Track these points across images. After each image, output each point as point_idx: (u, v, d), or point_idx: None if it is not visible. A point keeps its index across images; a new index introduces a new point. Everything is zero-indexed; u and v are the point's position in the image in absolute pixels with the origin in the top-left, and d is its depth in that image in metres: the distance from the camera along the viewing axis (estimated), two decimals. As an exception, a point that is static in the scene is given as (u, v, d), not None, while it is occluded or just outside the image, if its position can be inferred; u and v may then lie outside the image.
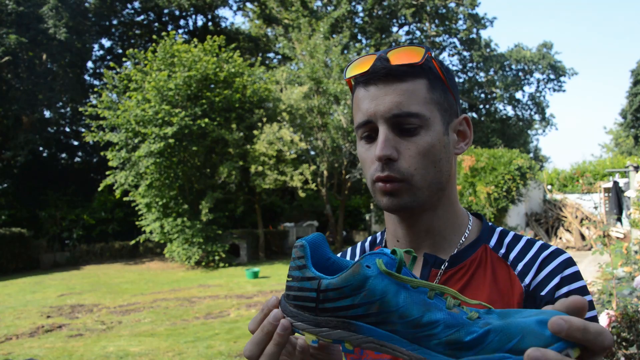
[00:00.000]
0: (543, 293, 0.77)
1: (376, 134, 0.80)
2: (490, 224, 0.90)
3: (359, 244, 1.01)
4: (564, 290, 0.77)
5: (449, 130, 0.83)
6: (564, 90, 37.45)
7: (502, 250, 0.84)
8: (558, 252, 0.81)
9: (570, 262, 0.80)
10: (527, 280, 0.79)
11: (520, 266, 0.81)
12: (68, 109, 22.79)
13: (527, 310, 0.52)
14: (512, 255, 0.83)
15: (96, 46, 24.40)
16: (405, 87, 0.78)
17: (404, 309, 0.53)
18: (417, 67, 0.79)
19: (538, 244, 0.83)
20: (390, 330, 0.54)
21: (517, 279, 0.80)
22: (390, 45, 25.88)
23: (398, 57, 0.78)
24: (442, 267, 0.83)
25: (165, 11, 25.04)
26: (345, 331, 0.56)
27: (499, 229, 0.88)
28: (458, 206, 0.88)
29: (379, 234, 0.98)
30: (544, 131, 36.69)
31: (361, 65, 0.80)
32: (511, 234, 0.87)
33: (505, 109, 33.30)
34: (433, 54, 0.81)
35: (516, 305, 0.77)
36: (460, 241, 0.86)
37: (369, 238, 1.00)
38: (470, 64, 31.39)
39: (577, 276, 0.79)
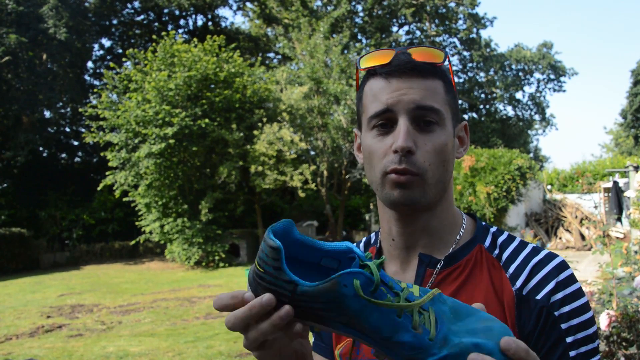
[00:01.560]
0: (538, 297, 0.77)
1: (391, 123, 0.80)
2: (483, 223, 0.90)
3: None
4: (560, 295, 0.76)
5: (455, 133, 0.85)
6: (564, 91, 37.49)
7: (496, 251, 0.84)
8: (551, 255, 0.81)
9: (563, 265, 0.80)
10: (518, 284, 0.79)
11: (512, 269, 0.81)
12: (68, 109, 22.79)
13: (479, 315, 0.60)
14: (505, 256, 0.83)
15: (96, 46, 24.43)
16: (427, 84, 0.80)
17: (375, 327, 0.58)
18: (437, 68, 0.81)
19: (530, 246, 0.83)
20: (359, 331, 0.59)
21: (508, 282, 0.80)
22: (390, 44, 25.89)
23: (421, 55, 0.80)
24: (438, 266, 0.83)
25: (165, 11, 25.04)
26: (317, 323, 0.61)
27: (492, 228, 0.89)
28: (454, 207, 0.89)
29: (373, 235, 0.99)
30: (544, 131, 36.69)
31: (381, 57, 0.81)
32: (505, 234, 0.87)
33: (505, 109, 33.30)
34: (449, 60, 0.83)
35: (507, 309, 0.77)
36: (455, 240, 0.86)
37: (364, 239, 1.00)
38: (470, 64, 31.39)
39: (572, 279, 0.78)
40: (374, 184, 0.83)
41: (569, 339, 0.75)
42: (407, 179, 0.78)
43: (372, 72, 0.83)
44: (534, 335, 0.76)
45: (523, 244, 0.84)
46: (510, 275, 0.80)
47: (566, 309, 0.76)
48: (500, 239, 0.86)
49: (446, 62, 0.81)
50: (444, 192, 0.84)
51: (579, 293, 0.77)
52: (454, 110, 0.84)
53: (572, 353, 0.74)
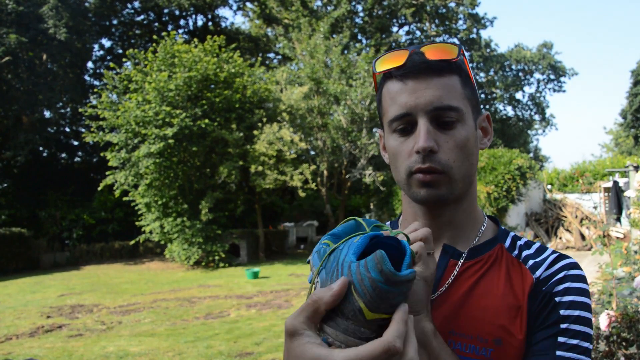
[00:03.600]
0: (548, 284, 0.81)
1: (412, 126, 0.82)
2: (503, 227, 0.94)
3: None
4: (565, 285, 0.80)
5: (476, 125, 0.87)
6: (564, 91, 37.48)
7: (515, 251, 0.88)
8: (568, 256, 0.85)
9: (577, 265, 0.84)
10: (538, 273, 0.83)
11: (531, 262, 0.85)
12: (68, 109, 22.78)
13: None
14: (523, 254, 0.87)
15: (96, 46, 24.42)
16: (444, 82, 0.81)
17: None
18: (452, 64, 0.82)
19: (549, 250, 0.87)
20: None
21: (528, 271, 0.84)
22: (390, 45, 25.89)
23: (434, 53, 0.81)
24: (460, 259, 0.86)
25: (165, 11, 25.03)
26: None
27: (512, 233, 0.92)
28: (476, 202, 0.92)
29: (397, 222, 0.98)
30: (544, 131, 36.70)
31: (395, 59, 0.83)
32: (523, 239, 0.91)
33: (505, 109, 33.30)
34: (464, 52, 0.84)
35: (526, 295, 0.81)
36: (477, 236, 0.89)
37: (388, 224, 1.00)
38: (470, 64, 31.34)
39: (580, 278, 0.81)
40: (401, 183, 0.85)
41: (563, 325, 0.77)
42: (433, 177, 0.80)
43: (388, 75, 0.85)
44: (538, 316, 0.79)
45: (541, 248, 0.88)
46: (530, 267, 0.84)
47: (568, 298, 0.79)
48: (519, 242, 0.90)
49: (461, 57, 0.83)
50: (470, 186, 0.87)
51: (584, 292, 0.80)
52: (473, 103, 0.85)
53: (560, 339, 0.77)
